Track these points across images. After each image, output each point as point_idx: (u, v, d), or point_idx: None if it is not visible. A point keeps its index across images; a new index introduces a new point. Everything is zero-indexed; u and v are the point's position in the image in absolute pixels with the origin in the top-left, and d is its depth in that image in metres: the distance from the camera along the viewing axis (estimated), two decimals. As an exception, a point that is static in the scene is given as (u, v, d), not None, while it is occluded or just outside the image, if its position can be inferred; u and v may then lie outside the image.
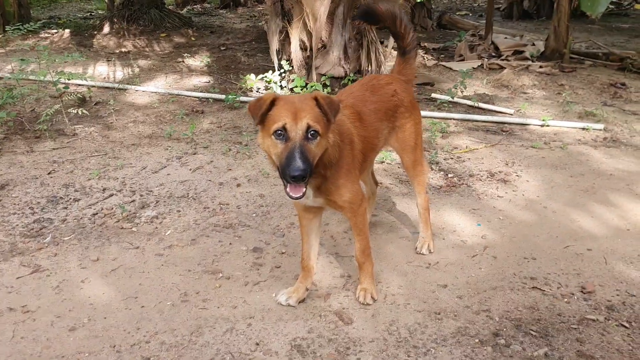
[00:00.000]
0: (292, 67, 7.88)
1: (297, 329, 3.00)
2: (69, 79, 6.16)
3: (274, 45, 8.16)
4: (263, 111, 2.62)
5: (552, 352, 2.82)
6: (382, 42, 8.20)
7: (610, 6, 17.53)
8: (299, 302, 3.19)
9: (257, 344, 2.88)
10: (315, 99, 2.66)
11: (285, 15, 7.91)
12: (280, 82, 7.80)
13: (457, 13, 15.88)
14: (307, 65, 7.71)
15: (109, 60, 9.68)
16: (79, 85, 7.62)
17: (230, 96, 7.05)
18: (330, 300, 3.25)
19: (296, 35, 7.71)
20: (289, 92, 7.52)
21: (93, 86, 7.73)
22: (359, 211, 3.08)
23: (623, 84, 8.21)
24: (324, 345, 2.87)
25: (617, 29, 14.54)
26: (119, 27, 12.24)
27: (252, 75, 8.11)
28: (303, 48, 7.69)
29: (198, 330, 2.98)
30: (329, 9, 7.41)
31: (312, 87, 7.34)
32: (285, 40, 7.93)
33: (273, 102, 2.65)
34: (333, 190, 2.95)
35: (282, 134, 2.58)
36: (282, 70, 7.90)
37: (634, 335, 2.96)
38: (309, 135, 2.59)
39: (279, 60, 8.04)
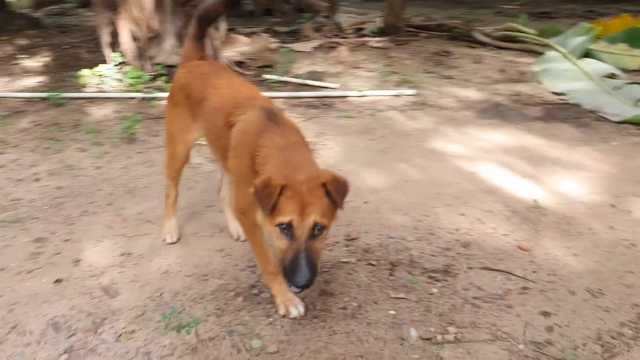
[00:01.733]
0: (126, 58, 7.79)
1: (59, 308, 3.04)
2: None
3: (105, 38, 8.01)
4: (273, 202, 2.38)
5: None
6: (216, 29, 8.25)
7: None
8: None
9: (14, 327, 2.89)
10: (324, 184, 2.42)
11: (114, 8, 7.78)
12: (115, 74, 7.68)
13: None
14: (142, 55, 7.65)
15: None
16: None
17: (53, 94, 6.88)
18: (102, 278, 3.31)
19: (126, 26, 7.62)
20: (128, 85, 7.43)
21: None
22: None
23: (447, 52, 8.76)
24: (81, 320, 2.94)
25: (466, 2, 15.34)
26: (-49, 33, 11.48)
27: (86, 71, 7.93)
28: (135, 39, 7.62)
29: (-47, 322, 2.94)
30: (154, -2, 7.39)
31: (150, 76, 7.29)
32: (117, 32, 7.82)
33: (282, 190, 2.38)
34: None
35: (287, 230, 2.41)
36: (115, 63, 7.79)
37: (377, 272, 3.24)
38: (315, 232, 2.41)
39: (112, 52, 7.91)
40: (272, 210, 2.40)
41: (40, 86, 7.76)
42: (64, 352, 2.71)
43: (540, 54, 8.17)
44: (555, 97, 6.41)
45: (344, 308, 2.95)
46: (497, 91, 6.71)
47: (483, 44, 9.33)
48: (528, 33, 9.06)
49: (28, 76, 8.46)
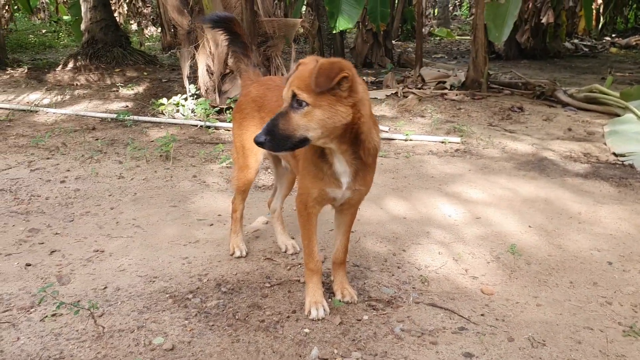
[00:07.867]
0: (200, 90, 8.29)
1: (11, 287, 3.24)
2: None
3: (185, 70, 8.59)
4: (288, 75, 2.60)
5: (225, 303, 3.01)
6: (287, 68, 8.56)
7: (585, 49, 17.94)
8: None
9: (-36, 297, 3.11)
10: (316, 61, 2.47)
11: (195, 42, 8.35)
12: (190, 104, 8.16)
13: (433, 56, 16.20)
14: (215, 88, 8.10)
15: (47, 90, 10.17)
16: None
17: (122, 115, 7.44)
18: (66, 268, 3.48)
19: (203, 61, 8.14)
20: (198, 115, 7.87)
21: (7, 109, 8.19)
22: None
23: (520, 108, 8.43)
24: (24, 299, 3.11)
25: (574, 67, 14.76)
26: (81, 64, 12.75)
27: (164, 99, 8.52)
28: (210, 72, 8.10)
29: None
30: (229, 35, 7.80)
31: (220, 108, 7.69)
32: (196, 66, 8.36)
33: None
34: (367, 181, 2.84)
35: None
36: (190, 94, 8.29)
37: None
38: (294, 103, 2.47)
39: (189, 84, 8.45)
40: None
41: (123, 110, 8.40)
42: (-11, 323, 2.86)
43: (619, 116, 7.65)
44: (613, 158, 5.93)
45: (262, 321, 2.88)
46: (551, 147, 6.33)
47: (565, 105, 8.88)
48: (610, 95, 8.51)
49: (118, 101, 9.21)
